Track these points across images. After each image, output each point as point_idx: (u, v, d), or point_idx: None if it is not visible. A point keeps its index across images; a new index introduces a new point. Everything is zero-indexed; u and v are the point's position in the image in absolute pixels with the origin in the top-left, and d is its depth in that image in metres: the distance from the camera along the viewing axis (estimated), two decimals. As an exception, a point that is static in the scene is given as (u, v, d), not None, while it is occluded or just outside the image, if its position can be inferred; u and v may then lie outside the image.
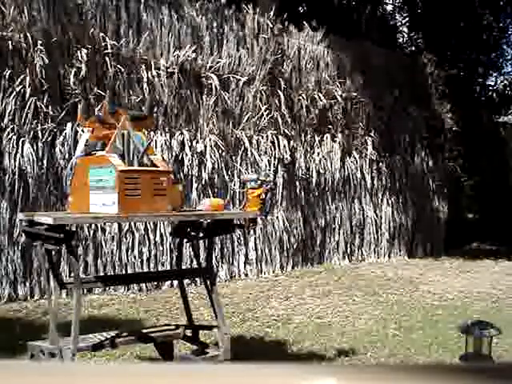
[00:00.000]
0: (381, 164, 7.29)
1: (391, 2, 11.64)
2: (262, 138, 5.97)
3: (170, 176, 2.46)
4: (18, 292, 4.43)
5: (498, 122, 10.74)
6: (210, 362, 2.57)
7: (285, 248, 6.14)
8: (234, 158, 5.75)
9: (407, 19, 11.19)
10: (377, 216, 7.24)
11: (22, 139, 4.45)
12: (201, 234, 2.78)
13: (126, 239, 4.97)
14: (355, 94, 6.95)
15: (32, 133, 4.50)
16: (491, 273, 6.41)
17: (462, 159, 9.11)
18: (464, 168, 9.44)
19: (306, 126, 6.50)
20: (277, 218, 6.05)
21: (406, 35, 11.49)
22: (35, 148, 4.50)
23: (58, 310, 2.54)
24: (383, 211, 7.33)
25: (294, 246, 6.25)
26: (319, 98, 6.55)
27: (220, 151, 5.57)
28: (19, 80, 4.44)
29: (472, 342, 2.34)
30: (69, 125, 4.64)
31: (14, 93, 4.42)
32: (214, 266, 5.23)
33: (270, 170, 5.89)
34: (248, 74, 5.88)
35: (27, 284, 4.47)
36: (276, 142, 6.05)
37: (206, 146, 5.47)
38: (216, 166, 5.53)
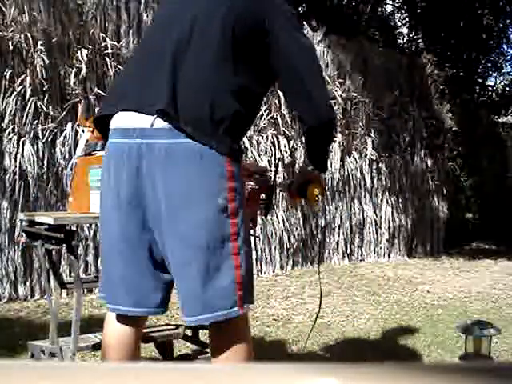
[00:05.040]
0: (381, 164, 7.29)
1: (391, 2, 11.64)
2: (262, 138, 5.97)
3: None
4: (18, 292, 4.43)
5: (498, 122, 10.73)
6: (210, 362, 2.57)
7: (285, 248, 6.14)
8: (234, 157, 5.74)
9: (407, 19, 11.19)
10: (376, 216, 7.24)
11: (23, 139, 4.45)
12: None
13: (126, 239, 4.96)
14: (355, 94, 6.95)
15: (32, 133, 4.50)
16: (491, 272, 6.41)
17: (461, 159, 9.11)
18: (464, 168, 9.44)
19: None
20: (277, 218, 6.05)
21: (405, 35, 11.49)
22: (35, 148, 4.50)
23: (58, 310, 2.54)
24: (383, 211, 7.33)
25: (294, 246, 6.25)
26: (319, 98, 6.54)
27: (220, 151, 5.56)
28: (20, 80, 4.44)
29: (472, 341, 2.34)
30: (69, 125, 4.64)
31: (15, 93, 4.42)
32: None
33: (270, 171, 5.89)
34: (248, 74, 5.87)
35: (27, 284, 4.47)
36: (276, 142, 6.05)
37: (206, 146, 5.47)
38: (216, 166, 5.52)
